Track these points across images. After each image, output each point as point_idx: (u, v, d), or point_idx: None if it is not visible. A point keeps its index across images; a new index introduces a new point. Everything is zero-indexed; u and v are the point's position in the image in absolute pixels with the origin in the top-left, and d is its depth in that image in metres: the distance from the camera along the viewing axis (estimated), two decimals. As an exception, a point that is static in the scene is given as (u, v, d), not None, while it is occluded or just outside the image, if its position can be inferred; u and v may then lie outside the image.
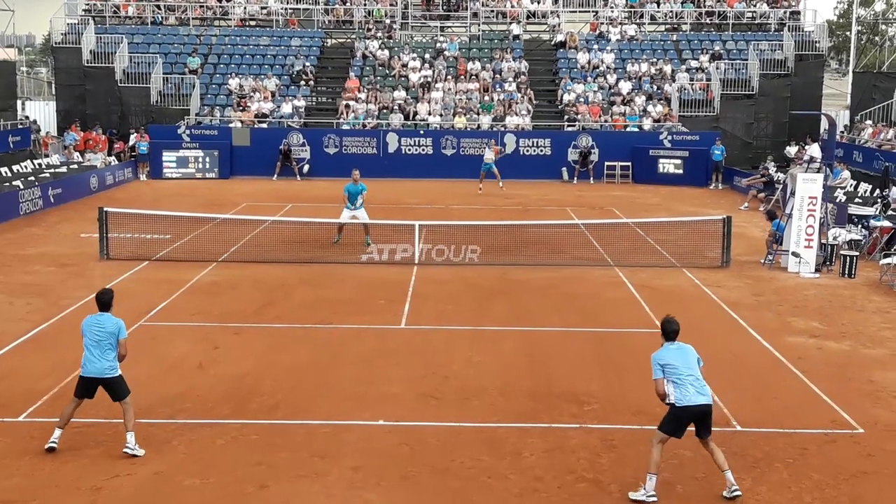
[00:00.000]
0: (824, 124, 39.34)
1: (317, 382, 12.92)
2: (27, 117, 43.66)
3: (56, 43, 44.44)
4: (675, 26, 47.77)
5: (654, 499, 9.41)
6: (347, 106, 40.29)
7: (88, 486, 9.58)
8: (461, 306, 17.28)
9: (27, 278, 19.28)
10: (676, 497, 9.53)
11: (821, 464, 10.40)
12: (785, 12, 45.95)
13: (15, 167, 33.27)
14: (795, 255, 20.62)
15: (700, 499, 9.51)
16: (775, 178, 31.40)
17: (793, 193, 21.08)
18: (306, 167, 38.13)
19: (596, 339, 15.34)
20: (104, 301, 10.80)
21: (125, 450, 10.31)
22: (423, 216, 25.61)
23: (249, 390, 12.54)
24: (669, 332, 10.18)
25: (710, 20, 46.92)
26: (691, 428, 9.71)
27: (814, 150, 31.41)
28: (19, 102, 45.00)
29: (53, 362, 13.54)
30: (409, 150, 38.89)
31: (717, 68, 41.88)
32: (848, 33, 61.83)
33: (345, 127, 39.56)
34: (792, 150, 37.19)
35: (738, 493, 9.45)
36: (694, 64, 43.27)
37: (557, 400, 12.28)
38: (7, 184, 30.08)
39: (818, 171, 21.34)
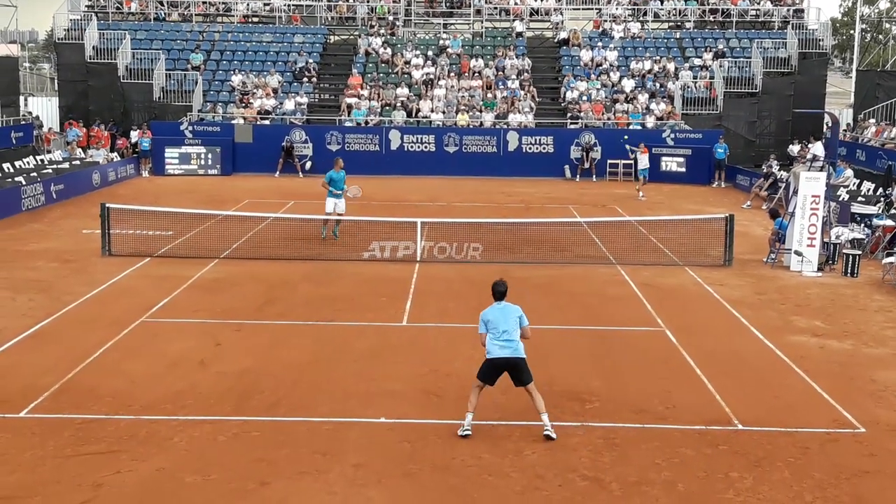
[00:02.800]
0: (827, 122, 39.38)
1: (318, 379, 12.92)
2: (30, 113, 43.67)
3: (59, 39, 44.45)
4: (679, 24, 47.72)
5: (469, 433, 10.96)
6: (350, 106, 40.23)
7: (90, 482, 9.58)
8: (463, 304, 17.25)
9: (29, 274, 19.28)
10: (677, 495, 9.52)
11: (822, 463, 10.39)
12: (788, 10, 45.91)
13: (17, 163, 33.29)
14: (798, 253, 20.60)
15: (701, 496, 9.50)
16: (778, 177, 31.36)
17: (796, 192, 21.06)
18: (308, 164, 38.12)
19: (598, 337, 15.32)
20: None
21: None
22: (426, 213, 25.61)
23: (251, 387, 12.54)
24: (496, 292, 11.61)
25: (714, 18, 46.88)
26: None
27: (817, 148, 31.30)
28: (22, 98, 45.03)
29: (55, 358, 13.54)
30: (412, 147, 38.87)
31: (721, 66, 41.84)
32: (852, 31, 61.83)
33: (347, 124, 39.54)
34: (795, 149, 37.15)
35: (552, 434, 10.90)
36: (697, 62, 43.23)
37: (559, 398, 12.26)
38: (9, 179, 30.09)
39: (821, 170, 21.31)
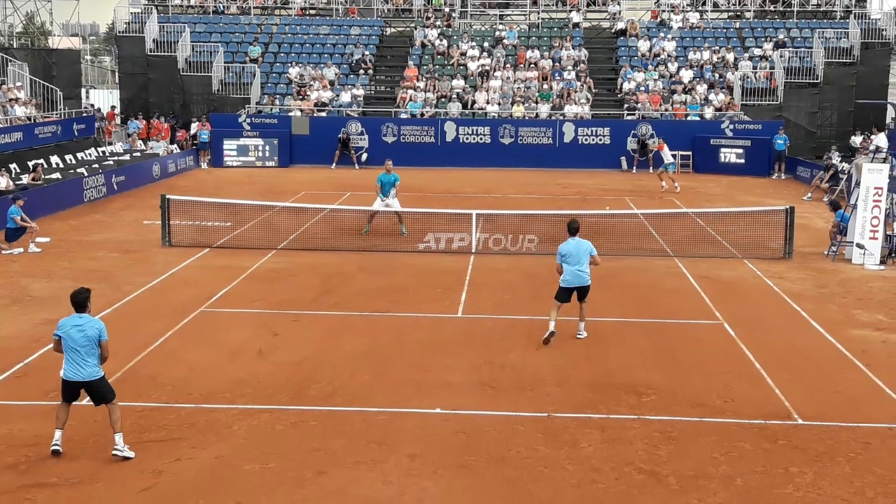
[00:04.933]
0: (891, 113, 38.68)
1: (374, 370, 12.99)
2: (92, 105, 44.44)
3: (119, 32, 45.13)
4: (739, 13, 47.13)
5: (553, 332, 13.81)
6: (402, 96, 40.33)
7: (151, 469, 9.73)
8: (518, 296, 17.24)
9: (91, 264, 19.61)
10: (735, 489, 9.42)
11: (884, 458, 10.22)
12: (851, -1, 45.10)
13: (80, 154, 33.88)
14: (860, 246, 20.26)
15: (759, 491, 9.39)
16: (839, 168, 30.86)
17: (858, 184, 20.70)
18: (364, 156, 38.27)
19: (655, 329, 15.21)
20: (79, 301, 10.19)
21: (114, 452, 9.90)
22: (481, 205, 25.59)
23: (308, 377, 12.64)
24: (571, 229, 14.36)
25: (774, 7, 46.21)
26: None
27: (880, 139, 30.83)
28: (83, 91, 45.80)
29: (116, 347, 13.66)
30: (467, 138, 38.83)
31: (781, 56, 41.21)
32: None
33: (403, 116, 39.63)
34: (857, 140, 36.52)
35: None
36: (757, 52, 42.64)
37: (616, 390, 12.20)
38: (72, 171, 30.63)
39: (884, 161, 20.92)
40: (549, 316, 14.12)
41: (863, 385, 12.69)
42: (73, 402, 10.20)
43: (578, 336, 14.39)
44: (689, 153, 38.01)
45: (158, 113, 40.76)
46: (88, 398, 10.16)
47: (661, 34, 44.53)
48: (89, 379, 9.96)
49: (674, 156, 34.93)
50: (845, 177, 26.06)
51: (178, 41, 42.36)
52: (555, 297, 14.25)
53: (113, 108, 43.96)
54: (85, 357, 9.95)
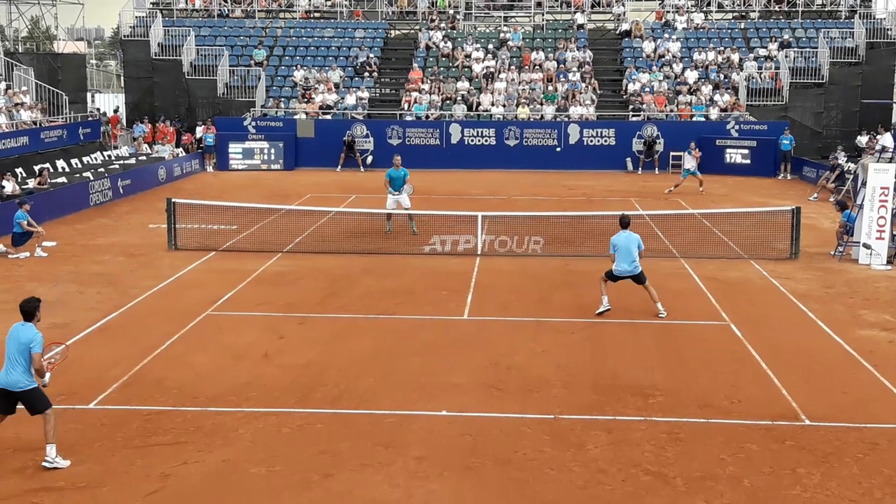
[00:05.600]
0: (897, 113, 38.60)
1: (380, 372, 12.98)
2: (98, 109, 44.50)
3: (125, 36, 45.22)
4: (743, 14, 47.10)
5: (608, 308, 15.85)
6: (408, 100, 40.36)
7: (157, 472, 9.73)
8: (524, 297, 17.23)
9: (97, 268, 19.64)
10: (743, 490, 9.40)
11: (892, 458, 10.18)
12: (856, -1, 45.03)
13: (85, 158, 33.95)
14: (866, 246, 20.21)
15: (767, 492, 9.37)
16: (845, 168, 30.81)
17: (864, 184, 20.66)
18: (370, 158, 38.28)
19: (661, 330, 15.19)
20: (26, 311, 10.12)
21: (44, 463, 9.72)
22: (486, 207, 25.57)
23: (314, 380, 12.64)
24: (623, 223, 16.07)
25: (779, 7, 46.16)
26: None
27: (886, 139, 30.80)
28: (89, 95, 45.89)
29: (122, 351, 13.78)
30: (472, 140, 38.83)
31: (786, 56, 41.16)
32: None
33: (408, 118, 39.64)
34: (863, 140, 36.43)
35: (662, 312, 15.55)
36: (762, 52, 42.59)
37: (622, 392, 12.18)
38: (77, 175, 30.68)
39: (890, 161, 20.89)
40: (601, 290, 16.08)
41: (870, 385, 12.65)
42: (10, 414, 10.01)
43: (660, 315, 15.82)
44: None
45: (164, 117, 40.83)
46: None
47: (666, 35, 44.50)
48: (12, 388, 9.76)
49: (678, 157, 34.91)
50: (851, 177, 26.02)
51: (182, 45, 42.43)
52: (605, 274, 16.13)
53: (116, 111, 43.94)
54: (13, 363, 9.78)
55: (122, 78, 50.61)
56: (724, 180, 35.19)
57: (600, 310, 15.87)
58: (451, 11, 46.97)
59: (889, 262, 20.10)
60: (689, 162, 32.12)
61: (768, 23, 45.70)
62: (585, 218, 24.30)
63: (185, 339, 14.55)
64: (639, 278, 15.95)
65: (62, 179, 29.55)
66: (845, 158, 32.82)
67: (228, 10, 47.32)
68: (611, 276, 16.00)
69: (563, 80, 41.86)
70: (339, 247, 21.68)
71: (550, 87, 41.54)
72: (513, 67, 42.76)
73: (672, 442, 10.61)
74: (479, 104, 40.60)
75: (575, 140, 38.47)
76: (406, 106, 40.35)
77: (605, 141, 38.55)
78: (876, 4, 45.19)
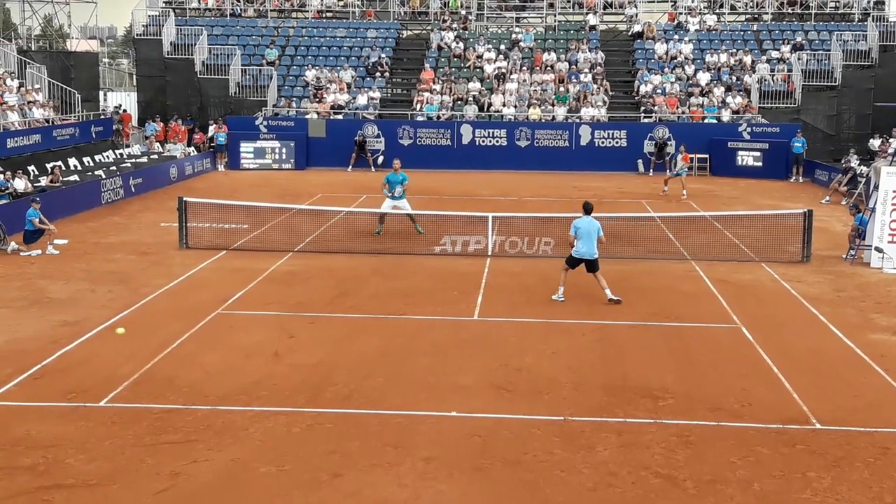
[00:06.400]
0: (910, 116, 38.44)
1: (390, 373, 12.98)
2: (119, 106, 44.57)
3: (137, 35, 45.37)
4: (756, 16, 47.00)
5: (563, 299, 16.65)
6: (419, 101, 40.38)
7: (167, 471, 9.74)
8: (534, 298, 17.21)
9: (108, 266, 19.69)
10: (753, 494, 9.37)
11: (904, 464, 10.15)
12: (869, 2, 44.88)
13: (97, 157, 34.04)
14: (878, 250, 20.14)
15: (777, 496, 9.34)
16: (857, 172, 30.70)
17: (876, 187, 20.58)
18: (381, 158, 38.29)
19: (671, 333, 15.16)
20: None
21: None
22: (497, 208, 25.55)
23: (324, 379, 12.64)
24: (586, 209, 16.84)
25: (792, 10, 46.04)
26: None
27: (898, 142, 30.63)
28: (101, 93, 46.00)
29: (133, 349, 13.81)
30: (483, 141, 38.83)
31: (799, 59, 41.06)
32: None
33: (419, 118, 39.64)
34: (876, 143, 36.33)
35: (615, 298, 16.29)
36: (775, 54, 42.49)
37: (632, 394, 12.16)
38: (89, 173, 30.77)
39: (903, 165, 20.79)
40: (560, 280, 16.93)
41: (881, 389, 12.60)
42: None
43: (610, 299, 16.57)
44: (707, 156, 37.88)
45: (176, 115, 40.91)
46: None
47: (678, 37, 44.44)
48: None
49: (691, 159, 34.80)
50: (864, 180, 25.92)
51: (195, 44, 42.52)
52: (565, 260, 16.95)
53: (124, 111, 43.83)
54: None
55: (134, 77, 50.71)
56: (735, 183, 35.11)
57: (555, 297, 16.77)
58: (463, 12, 46.99)
59: (901, 266, 20.03)
60: (681, 163, 32.10)
61: (781, 25, 45.59)
62: (598, 219, 24.16)
63: (196, 337, 14.57)
64: (593, 266, 16.68)
65: (74, 178, 29.63)
66: (858, 162, 32.71)
67: (241, 10, 47.42)
68: (570, 262, 16.80)
69: (574, 81, 41.83)
70: (350, 247, 21.70)
71: (562, 89, 41.51)
72: (524, 68, 42.74)
73: (682, 445, 10.58)
74: (490, 105, 40.60)
75: (586, 141, 38.44)
76: (417, 106, 40.39)
77: (617, 142, 38.50)
78: (889, 7, 45.01)
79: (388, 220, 23.20)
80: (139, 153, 36.73)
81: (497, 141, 38.79)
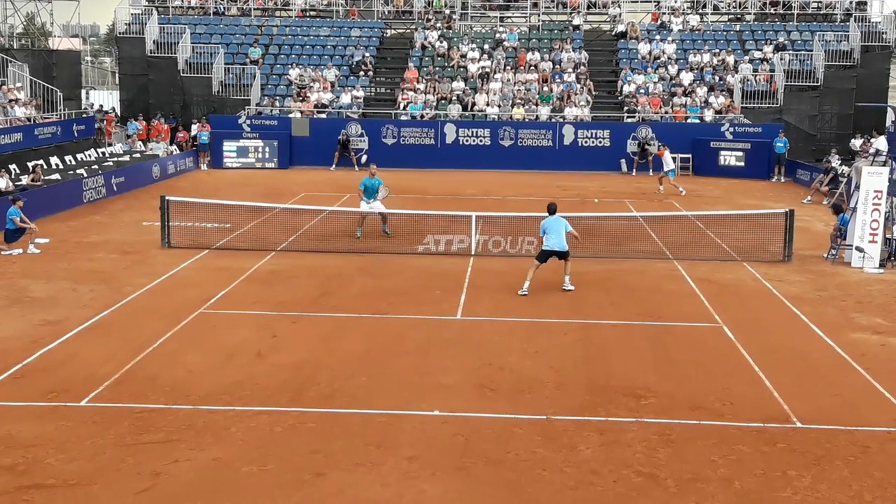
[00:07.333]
0: (891, 117, 38.71)
1: (373, 372, 12.98)
2: (101, 106, 44.34)
3: (120, 33, 45.16)
4: (739, 16, 47.19)
5: (526, 293, 17.14)
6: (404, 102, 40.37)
7: (148, 470, 9.72)
8: (517, 298, 17.23)
9: (90, 265, 19.61)
10: (734, 492, 9.42)
11: (883, 462, 10.21)
12: (851, 2, 45.14)
13: (79, 155, 33.89)
14: (859, 249, 20.25)
15: (758, 494, 9.39)
16: (839, 172, 30.85)
17: (857, 187, 20.70)
18: (364, 157, 38.24)
19: (654, 332, 15.21)
20: None
21: None
22: (480, 207, 25.57)
23: (307, 379, 12.63)
24: (550, 210, 17.63)
25: (775, 10, 46.24)
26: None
27: (880, 143, 30.78)
28: (84, 92, 45.77)
29: (115, 348, 13.76)
30: (467, 140, 38.84)
31: (781, 59, 41.24)
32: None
33: (403, 117, 39.63)
34: (857, 143, 36.52)
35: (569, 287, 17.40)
36: (757, 54, 42.67)
37: (614, 393, 12.20)
38: (71, 172, 30.62)
39: (884, 165, 20.92)
40: (528, 274, 17.39)
41: (861, 388, 12.68)
42: None
43: (564, 288, 17.55)
44: (689, 156, 37.99)
45: (159, 114, 40.76)
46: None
47: (661, 37, 44.57)
48: None
49: (674, 159, 34.90)
50: (845, 180, 26.06)
51: (178, 42, 42.37)
52: (535, 257, 17.72)
53: (107, 112, 43.64)
54: None
55: (116, 75, 50.49)
56: (717, 182, 35.25)
57: (520, 292, 17.26)
58: (448, 11, 46.99)
59: (881, 266, 20.16)
60: (669, 162, 32.19)
61: (763, 25, 45.79)
62: (579, 219, 24.25)
63: (178, 337, 14.53)
64: (564, 255, 17.58)
65: (56, 176, 29.48)
66: (839, 161, 32.87)
67: (224, 8, 47.27)
68: (541, 257, 17.50)
69: (558, 80, 41.89)
70: (333, 246, 21.67)
71: (546, 88, 41.57)
72: (508, 68, 42.78)
73: (664, 443, 10.62)
74: (474, 104, 40.61)
75: (570, 141, 38.49)
76: (401, 105, 40.36)
77: (600, 142, 38.58)
78: (871, 8, 45.29)
79: (369, 220, 23.16)
80: (121, 152, 36.57)
81: (481, 140, 38.81)
